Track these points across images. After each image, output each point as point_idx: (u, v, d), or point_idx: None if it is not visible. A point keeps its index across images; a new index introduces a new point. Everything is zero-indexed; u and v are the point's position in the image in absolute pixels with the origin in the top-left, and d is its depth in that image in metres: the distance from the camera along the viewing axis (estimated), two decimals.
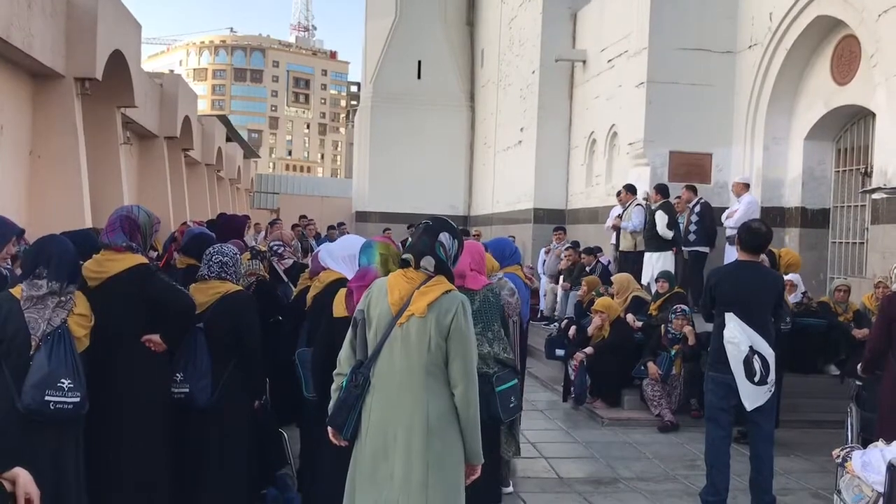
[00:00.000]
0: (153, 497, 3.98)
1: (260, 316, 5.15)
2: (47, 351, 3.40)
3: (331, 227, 16.88)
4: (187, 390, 4.11)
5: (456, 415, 3.10)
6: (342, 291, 3.82)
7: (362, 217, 23.59)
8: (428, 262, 3.17)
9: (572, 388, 8.18)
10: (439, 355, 3.07)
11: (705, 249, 10.39)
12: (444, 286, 3.14)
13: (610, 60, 14.31)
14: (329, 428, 3.21)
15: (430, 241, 3.21)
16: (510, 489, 5.44)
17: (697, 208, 10.41)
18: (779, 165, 11.34)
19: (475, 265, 4.56)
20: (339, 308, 3.78)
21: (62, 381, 3.39)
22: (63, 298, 3.51)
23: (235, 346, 4.25)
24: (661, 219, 10.26)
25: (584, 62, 16.03)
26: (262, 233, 11.81)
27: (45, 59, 8.62)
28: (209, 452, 4.19)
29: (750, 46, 11.52)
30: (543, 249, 14.05)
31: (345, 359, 3.26)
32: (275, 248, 6.42)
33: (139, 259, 4.00)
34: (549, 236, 14.22)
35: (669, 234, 10.27)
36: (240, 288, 4.50)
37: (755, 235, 5.10)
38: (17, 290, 3.50)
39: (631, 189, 11.30)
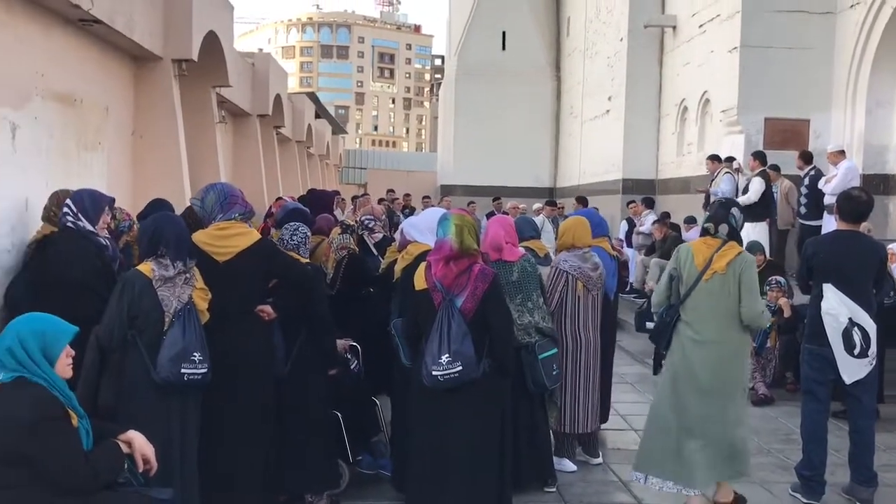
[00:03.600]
0: (266, 461, 4.18)
1: (351, 288, 5.30)
2: (181, 327, 3.63)
3: (425, 198, 17.01)
4: None
5: (744, 334, 4.44)
6: (423, 266, 3.90)
7: (447, 191, 23.54)
8: (723, 228, 4.39)
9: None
10: (735, 297, 4.31)
11: (817, 223, 9.53)
12: (737, 249, 4.37)
13: (701, 25, 13.87)
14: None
15: (724, 212, 4.43)
16: (599, 460, 5.46)
17: (806, 181, 9.72)
18: (883, 130, 10.81)
19: (509, 238, 4.78)
20: (419, 281, 3.87)
21: (194, 354, 3.63)
22: (188, 275, 3.74)
23: (305, 318, 4.36)
24: (755, 186, 9.72)
25: (674, 28, 15.58)
26: (352, 208, 11.99)
27: (145, 42, 8.95)
28: (287, 421, 4.30)
29: (852, 6, 10.97)
30: (624, 221, 13.85)
31: (657, 302, 4.67)
32: (366, 222, 6.55)
33: (257, 233, 4.24)
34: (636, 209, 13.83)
35: (753, 202, 9.53)
36: (307, 260, 4.63)
37: (854, 203, 4.89)
38: (146, 268, 3.70)
39: (716, 158, 10.96)
